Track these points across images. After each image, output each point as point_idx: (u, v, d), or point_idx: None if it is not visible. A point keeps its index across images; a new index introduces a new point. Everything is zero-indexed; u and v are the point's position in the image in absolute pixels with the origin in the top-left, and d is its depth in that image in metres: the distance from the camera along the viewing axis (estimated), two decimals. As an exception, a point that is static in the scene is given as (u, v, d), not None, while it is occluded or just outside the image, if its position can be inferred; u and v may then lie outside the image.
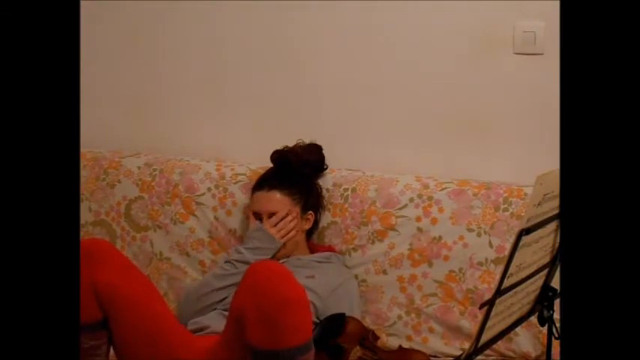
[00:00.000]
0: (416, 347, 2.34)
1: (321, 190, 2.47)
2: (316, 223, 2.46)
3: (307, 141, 2.50)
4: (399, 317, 2.39)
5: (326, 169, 2.51)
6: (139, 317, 2.01)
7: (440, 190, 2.39)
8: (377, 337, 2.15)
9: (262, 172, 2.51)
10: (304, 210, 2.40)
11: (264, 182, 2.39)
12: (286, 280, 1.86)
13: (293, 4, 2.59)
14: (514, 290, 1.58)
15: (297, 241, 2.40)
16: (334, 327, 2.10)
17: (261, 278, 1.85)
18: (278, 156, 2.45)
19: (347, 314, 2.17)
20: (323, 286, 2.30)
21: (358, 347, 2.05)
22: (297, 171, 2.43)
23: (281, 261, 2.36)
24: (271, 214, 2.35)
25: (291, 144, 2.48)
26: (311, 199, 2.42)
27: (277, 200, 2.36)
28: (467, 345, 2.22)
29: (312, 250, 2.45)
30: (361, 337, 2.08)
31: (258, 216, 2.38)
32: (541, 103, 2.37)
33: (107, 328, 2.03)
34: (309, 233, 2.46)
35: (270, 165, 2.48)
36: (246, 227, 2.54)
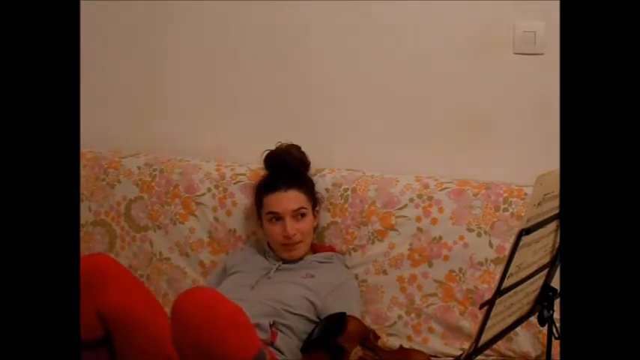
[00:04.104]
0: (416, 347, 2.34)
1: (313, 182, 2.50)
2: None
3: (308, 141, 2.51)
4: (399, 317, 2.39)
5: (308, 164, 2.52)
6: (142, 336, 1.99)
7: (440, 190, 2.39)
8: (377, 337, 2.15)
9: (262, 172, 2.52)
10: (314, 206, 2.43)
11: (278, 183, 2.39)
12: (211, 307, 1.87)
13: (293, 5, 2.59)
14: (514, 290, 1.58)
15: (311, 240, 2.42)
16: (334, 326, 2.10)
17: (188, 315, 1.85)
18: (274, 160, 2.48)
19: (347, 314, 2.17)
20: (323, 286, 2.30)
21: (359, 347, 2.04)
22: (297, 168, 2.46)
23: (289, 263, 2.38)
24: (293, 212, 2.36)
25: (291, 143, 2.50)
26: (315, 195, 2.45)
27: (297, 197, 2.38)
28: (467, 345, 2.22)
29: (314, 249, 2.46)
30: (362, 337, 2.08)
31: (277, 216, 2.37)
32: (541, 103, 2.37)
33: (108, 345, 2.02)
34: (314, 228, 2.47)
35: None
36: (247, 227, 2.54)
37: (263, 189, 2.43)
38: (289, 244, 2.36)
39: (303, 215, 2.37)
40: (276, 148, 2.50)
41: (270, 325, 2.16)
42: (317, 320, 2.24)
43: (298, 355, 2.16)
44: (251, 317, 1.99)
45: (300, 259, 2.40)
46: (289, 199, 2.36)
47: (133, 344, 1.99)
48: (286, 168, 2.45)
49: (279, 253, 2.40)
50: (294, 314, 2.22)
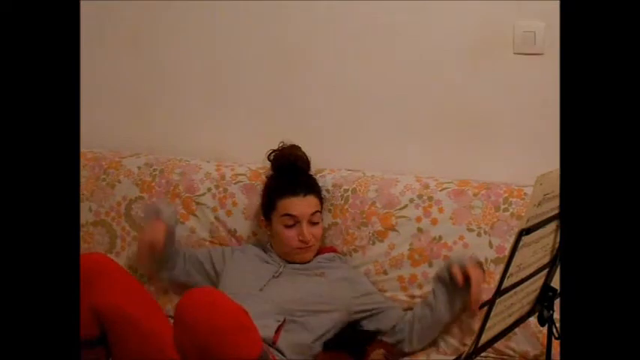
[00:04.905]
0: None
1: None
2: None
3: (308, 141, 2.50)
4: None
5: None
6: (139, 336, 1.98)
7: (440, 190, 2.39)
8: None
9: (262, 172, 2.52)
10: (322, 208, 2.43)
11: (297, 187, 2.37)
12: (214, 309, 1.87)
13: (293, 5, 2.59)
14: (514, 290, 1.58)
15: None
16: (358, 342, 2.17)
17: (190, 316, 1.86)
18: (282, 161, 2.46)
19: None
20: (335, 280, 2.32)
21: (381, 350, 2.10)
22: (307, 172, 2.46)
23: (295, 266, 2.38)
24: (311, 216, 2.35)
25: (292, 143, 2.50)
26: (322, 196, 2.45)
27: (314, 202, 2.37)
28: (468, 341, 2.22)
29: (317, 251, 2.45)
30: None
31: (294, 219, 2.35)
32: (541, 103, 2.37)
33: (105, 344, 2.02)
34: None
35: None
36: (247, 227, 2.54)
37: (279, 192, 2.40)
38: (303, 248, 2.36)
39: (317, 219, 2.37)
40: (283, 148, 2.48)
41: (280, 326, 2.17)
42: (329, 311, 2.26)
43: (303, 351, 2.17)
44: (259, 316, 2.00)
45: (308, 261, 2.39)
46: (308, 204, 2.36)
47: (128, 343, 1.98)
48: (298, 171, 2.43)
49: (288, 257, 2.38)
50: (307, 310, 2.23)
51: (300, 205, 2.35)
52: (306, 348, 2.20)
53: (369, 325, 2.31)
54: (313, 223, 2.36)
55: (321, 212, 2.39)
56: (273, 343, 2.14)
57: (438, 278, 2.26)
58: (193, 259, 2.48)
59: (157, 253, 2.39)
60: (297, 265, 2.38)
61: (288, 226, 2.36)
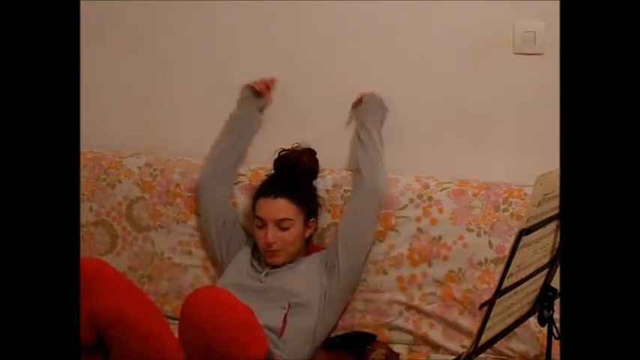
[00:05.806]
0: (418, 341, 2.35)
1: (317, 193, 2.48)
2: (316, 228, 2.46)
3: (308, 141, 2.50)
4: (400, 313, 2.38)
5: (316, 173, 2.51)
6: (138, 337, 1.97)
7: (440, 190, 2.39)
8: None
9: (262, 172, 2.52)
10: (308, 217, 2.39)
11: (270, 189, 2.37)
12: (220, 309, 1.87)
13: (294, 5, 2.59)
14: (514, 290, 1.59)
15: (299, 248, 2.39)
16: (362, 339, 2.20)
17: (196, 316, 1.87)
18: (283, 163, 2.45)
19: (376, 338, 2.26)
20: (316, 256, 2.37)
21: (382, 350, 2.11)
22: (302, 177, 2.43)
23: (276, 268, 2.37)
24: (277, 221, 2.33)
25: (290, 145, 2.50)
26: (313, 206, 2.42)
27: (284, 207, 2.33)
28: (467, 343, 2.22)
29: (309, 251, 2.44)
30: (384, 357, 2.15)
31: (262, 221, 2.35)
32: (541, 103, 2.37)
33: (102, 349, 2.01)
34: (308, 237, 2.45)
35: (272, 168, 2.49)
36: (247, 227, 2.54)
37: (258, 191, 2.41)
38: (269, 251, 2.34)
39: (288, 225, 2.33)
40: (291, 150, 2.47)
41: (286, 313, 2.18)
42: (316, 278, 2.28)
43: (307, 339, 2.20)
44: (263, 307, 2.03)
45: (288, 262, 2.38)
46: (276, 208, 2.33)
47: (127, 344, 1.98)
48: (289, 173, 2.42)
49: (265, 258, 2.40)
50: (303, 292, 2.25)
51: (268, 207, 2.34)
52: (309, 335, 2.22)
53: (342, 259, 2.32)
54: (282, 228, 2.33)
55: (297, 219, 2.34)
56: (280, 335, 2.14)
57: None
58: (231, 215, 2.50)
59: (265, 92, 2.57)
60: (280, 267, 2.37)
61: (258, 227, 2.36)
